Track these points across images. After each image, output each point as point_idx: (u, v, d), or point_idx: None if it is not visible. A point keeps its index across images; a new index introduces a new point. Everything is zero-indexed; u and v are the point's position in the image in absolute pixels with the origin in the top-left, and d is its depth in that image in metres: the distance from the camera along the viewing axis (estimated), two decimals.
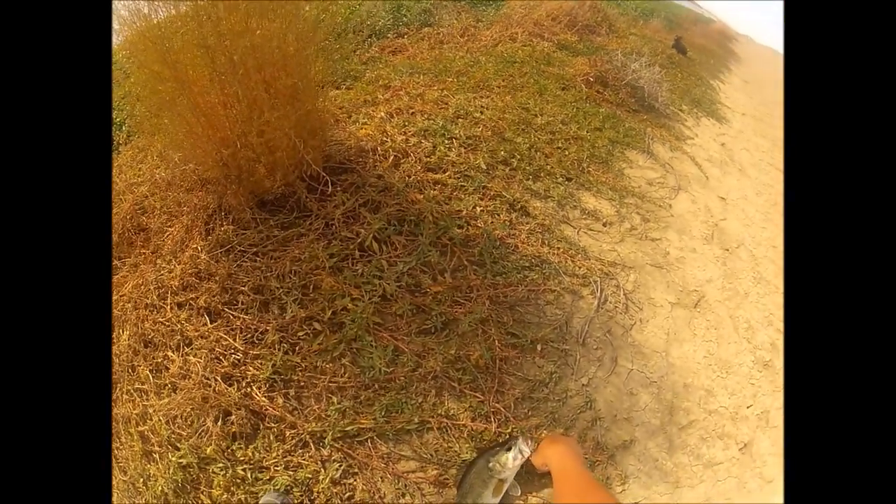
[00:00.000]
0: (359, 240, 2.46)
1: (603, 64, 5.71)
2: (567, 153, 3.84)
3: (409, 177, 2.90)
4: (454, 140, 3.33)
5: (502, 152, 3.40)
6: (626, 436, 2.36)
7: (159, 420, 2.03)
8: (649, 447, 2.39)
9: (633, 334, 2.79)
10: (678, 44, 9.46)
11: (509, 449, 1.85)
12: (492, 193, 3.03)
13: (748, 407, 2.83)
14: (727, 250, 4.11)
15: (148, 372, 2.18)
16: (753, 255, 4.31)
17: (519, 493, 1.92)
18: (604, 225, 3.39)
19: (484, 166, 3.18)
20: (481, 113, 3.80)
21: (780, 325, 3.70)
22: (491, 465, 1.85)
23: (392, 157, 2.99)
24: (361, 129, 3.25)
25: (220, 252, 2.42)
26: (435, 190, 2.88)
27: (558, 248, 2.92)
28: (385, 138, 3.15)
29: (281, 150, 2.38)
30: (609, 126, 4.64)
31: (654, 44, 8.80)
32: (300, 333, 2.20)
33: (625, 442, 2.34)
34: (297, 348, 2.18)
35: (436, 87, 4.09)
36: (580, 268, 2.88)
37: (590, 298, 2.79)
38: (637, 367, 2.66)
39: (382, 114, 3.48)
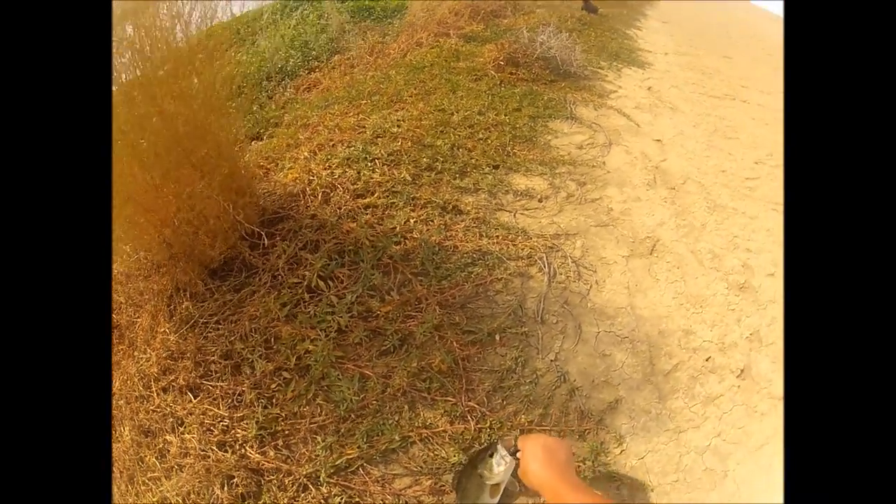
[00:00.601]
0: (305, 282, 2.51)
1: (511, 45, 5.74)
2: (489, 142, 3.88)
3: (340, 208, 2.93)
4: (376, 161, 3.37)
5: (425, 159, 3.44)
6: (609, 398, 2.39)
7: (176, 500, 2.07)
8: (637, 402, 2.42)
9: (592, 298, 2.82)
10: (587, 4, 9.48)
11: (492, 455, 1.87)
12: (422, 202, 3.07)
13: (741, 339, 2.87)
14: (673, 189, 4.13)
15: (154, 459, 2.22)
16: (702, 185, 4.33)
17: (518, 489, 1.94)
18: (539, 201, 3.43)
19: (409, 178, 3.22)
20: (398, 126, 3.84)
21: (748, 245, 3.72)
22: (480, 472, 1.87)
23: (321, 194, 3.02)
24: (288, 174, 3.28)
25: (186, 329, 2.45)
26: (367, 214, 2.92)
27: (497, 237, 2.96)
28: (311, 177, 3.19)
29: (214, 218, 2.43)
30: (527, 103, 4.69)
31: (562, 11, 8.85)
32: (273, 386, 2.24)
33: (610, 404, 2.37)
34: (274, 400, 2.21)
35: (351, 114, 4.12)
36: (523, 249, 2.92)
37: (539, 276, 2.83)
38: (603, 328, 2.68)
39: (305, 153, 3.51)
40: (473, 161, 3.60)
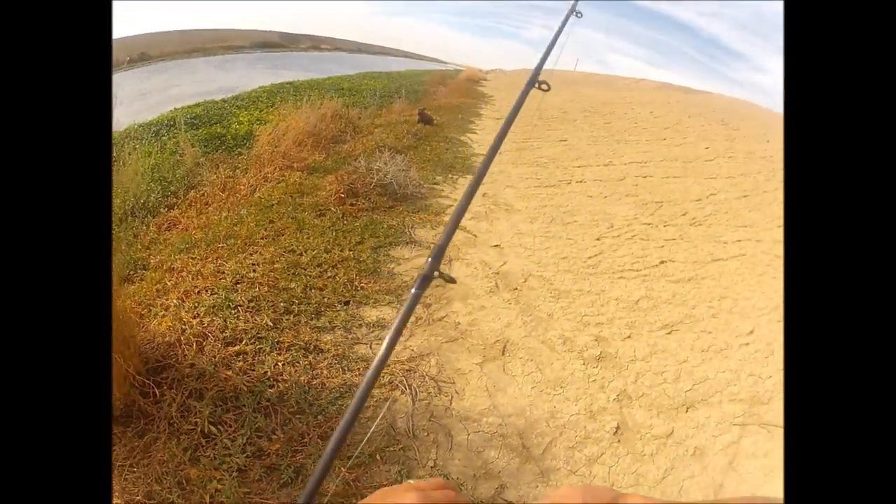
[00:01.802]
0: (199, 428, 2.68)
1: (349, 175, 6.09)
2: (337, 279, 4.17)
3: (215, 357, 3.11)
4: (239, 308, 3.59)
5: (282, 303, 3.69)
6: (493, 486, 2.67)
7: None
8: (521, 483, 2.71)
9: (455, 407, 3.13)
10: (422, 116, 10.14)
11: None
12: (286, 345, 3.31)
13: (608, 402, 3.16)
14: (516, 289, 4.55)
15: None
16: (544, 278, 4.79)
17: None
18: None
19: (271, 323, 3.46)
20: (254, 271, 4.09)
21: (598, 320, 4.16)
22: None
23: (195, 343, 3.19)
24: (162, 321, 3.40)
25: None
26: (239, 360, 3.13)
27: (358, 369, 3.22)
28: (183, 325, 3.34)
29: None
30: (369, 234, 5.04)
31: (398, 128, 9.35)
32: None
33: (496, 490, 2.64)
34: None
35: (210, 259, 4.31)
36: (384, 377, 3.20)
37: (404, 398, 3.11)
38: (472, 431, 2.98)
39: (174, 300, 3.64)
40: (326, 300, 3.87)
